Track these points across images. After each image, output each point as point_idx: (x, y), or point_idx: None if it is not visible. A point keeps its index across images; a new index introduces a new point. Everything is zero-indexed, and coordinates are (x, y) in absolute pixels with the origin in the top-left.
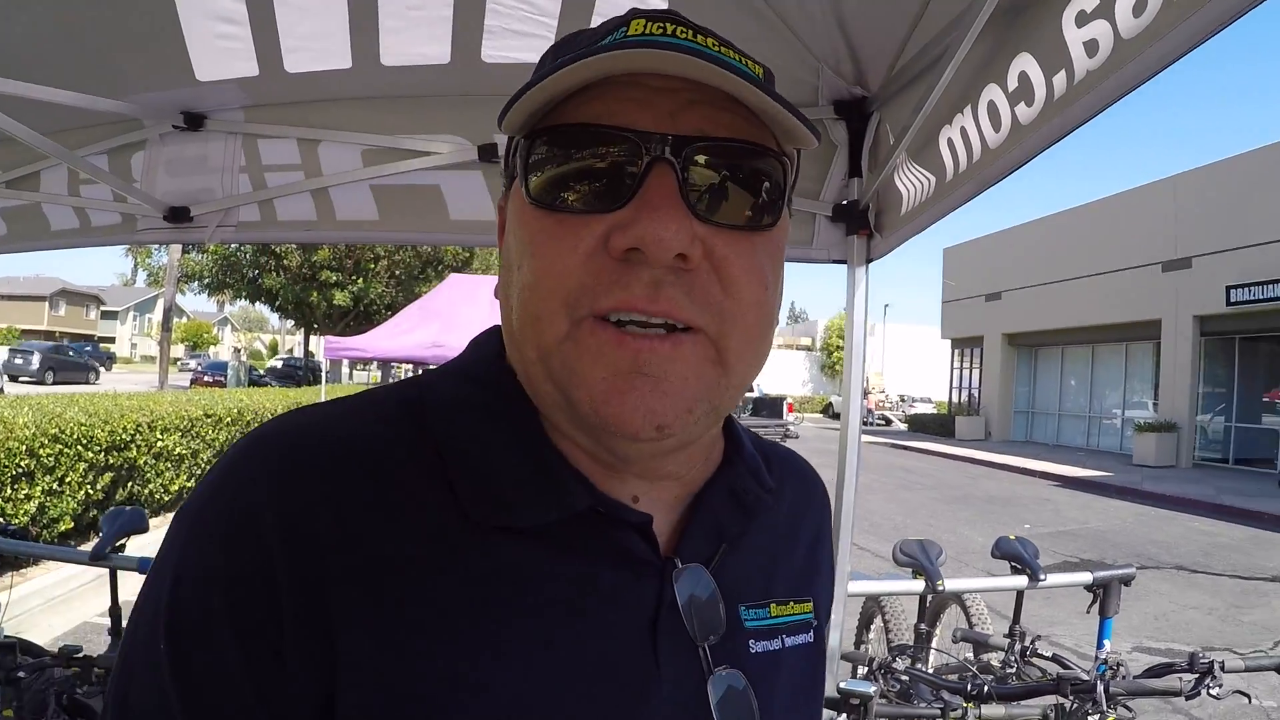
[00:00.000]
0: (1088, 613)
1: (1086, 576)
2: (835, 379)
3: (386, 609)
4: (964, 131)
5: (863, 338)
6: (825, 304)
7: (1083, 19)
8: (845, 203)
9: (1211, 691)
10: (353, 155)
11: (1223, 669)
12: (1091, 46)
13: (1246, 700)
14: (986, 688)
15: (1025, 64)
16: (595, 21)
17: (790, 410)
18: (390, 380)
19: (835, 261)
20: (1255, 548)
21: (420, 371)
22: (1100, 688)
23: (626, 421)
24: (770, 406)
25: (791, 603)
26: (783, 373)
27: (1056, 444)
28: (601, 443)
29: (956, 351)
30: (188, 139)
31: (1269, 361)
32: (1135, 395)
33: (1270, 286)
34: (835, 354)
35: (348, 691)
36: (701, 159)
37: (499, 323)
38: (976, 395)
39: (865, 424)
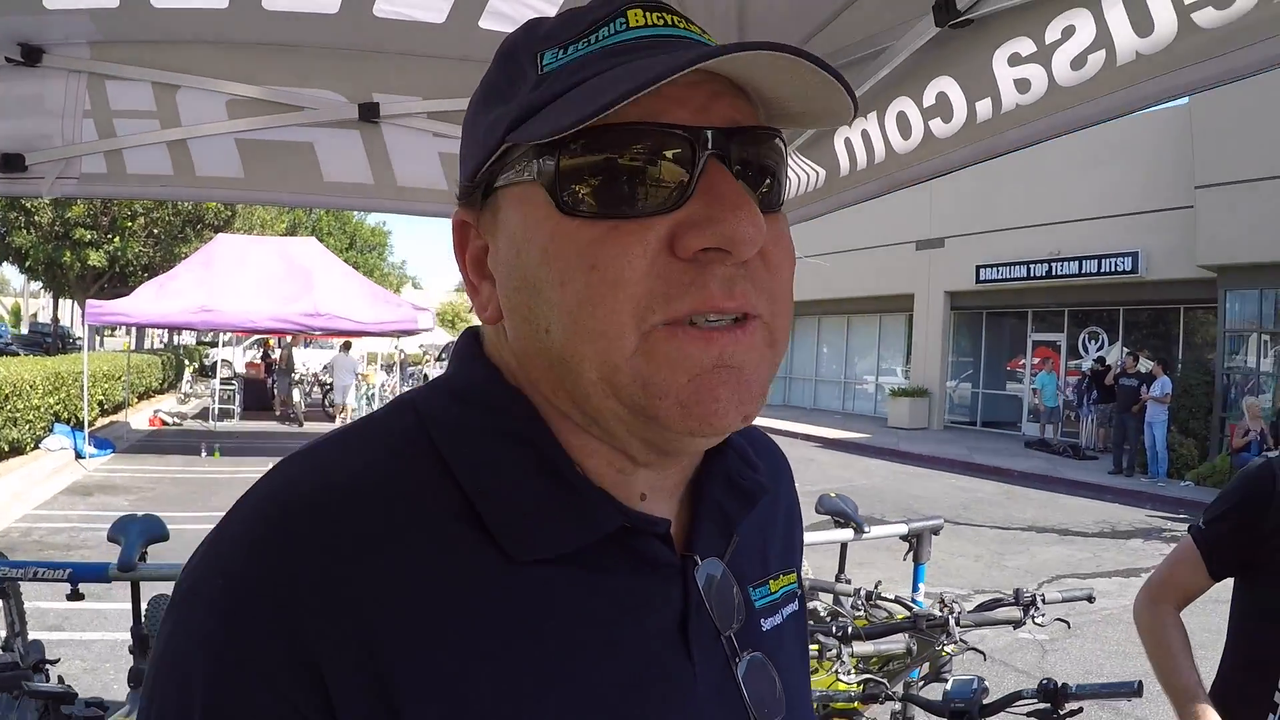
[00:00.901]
0: (904, 560)
1: (902, 528)
2: None
3: (448, 666)
4: (865, 135)
5: None
6: (440, 279)
7: (1015, 60)
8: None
9: (1037, 620)
10: (216, 105)
11: (1044, 600)
12: (1023, 85)
13: (1066, 626)
14: (850, 628)
15: (946, 85)
16: None
17: None
18: (157, 347)
19: None
20: (1009, 501)
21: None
22: (951, 621)
23: (721, 418)
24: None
25: (781, 575)
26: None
27: (814, 408)
28: (656, 444)
29: None
30: (22, 75)
31: (1011, 334)
32: (887, 363)
33: (1014, 268)
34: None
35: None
36: (739, 150)
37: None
38: None
39: None
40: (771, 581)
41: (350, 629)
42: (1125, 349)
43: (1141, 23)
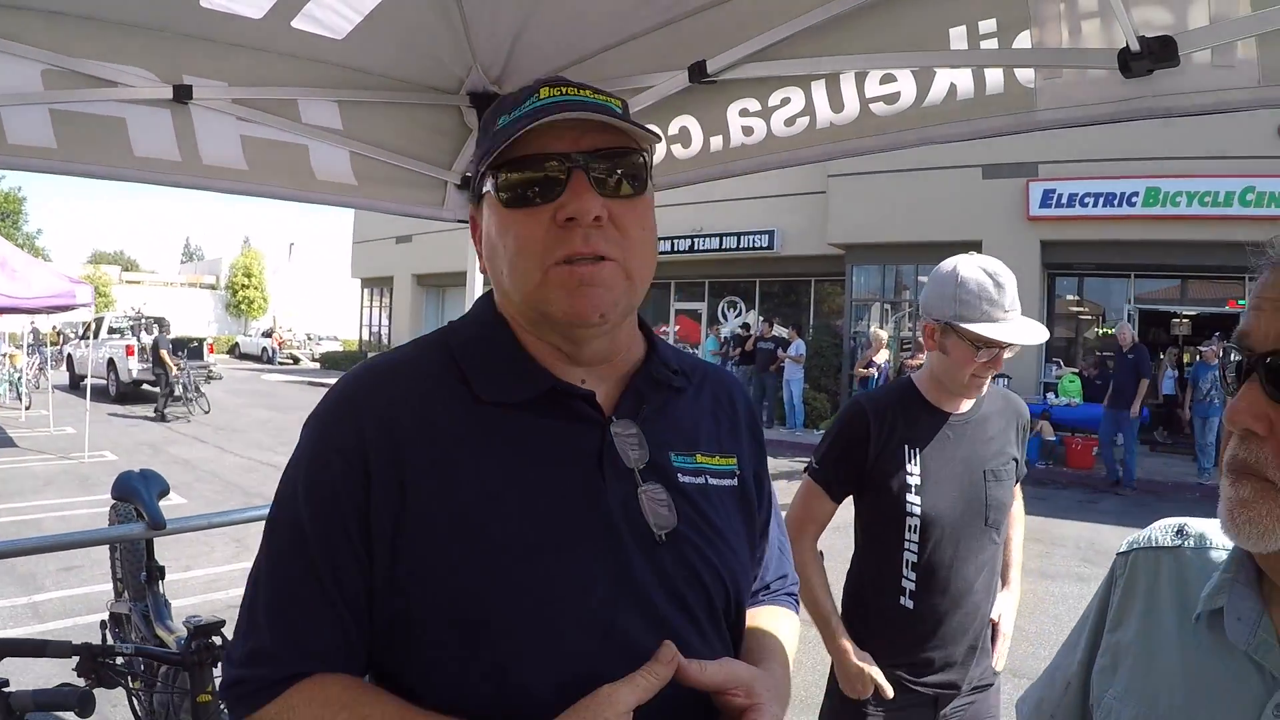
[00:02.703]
0: None
1: None
2: (241, 318)
3: (435, 455)
4: None
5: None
6: (226, 242)
7: (745, 113)
8: (470, 175)
9: None
10: (32, 73)
11: None
12: (748, 131)
13: None
14: None
15: (688, 122)
16: None
17: (211, 351)
18: None
19: (460, 222)
20: None
21: None
22: None
23: (584, 316)
24: (190, 349)
25: (717, 456)
26: (188, 313)
27: None
28: (566, 336)
29: (366, 291)
30: None
31: (655, 304)
32: None
33: (660, 242)
34: (240, 293)
35: (413, 504)
36: (598, 163)
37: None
38: (386, 332)
39: (270, 362)
40: (699, 455)
41: (382, 431)
42: (761, 317)
43: (836, 104)
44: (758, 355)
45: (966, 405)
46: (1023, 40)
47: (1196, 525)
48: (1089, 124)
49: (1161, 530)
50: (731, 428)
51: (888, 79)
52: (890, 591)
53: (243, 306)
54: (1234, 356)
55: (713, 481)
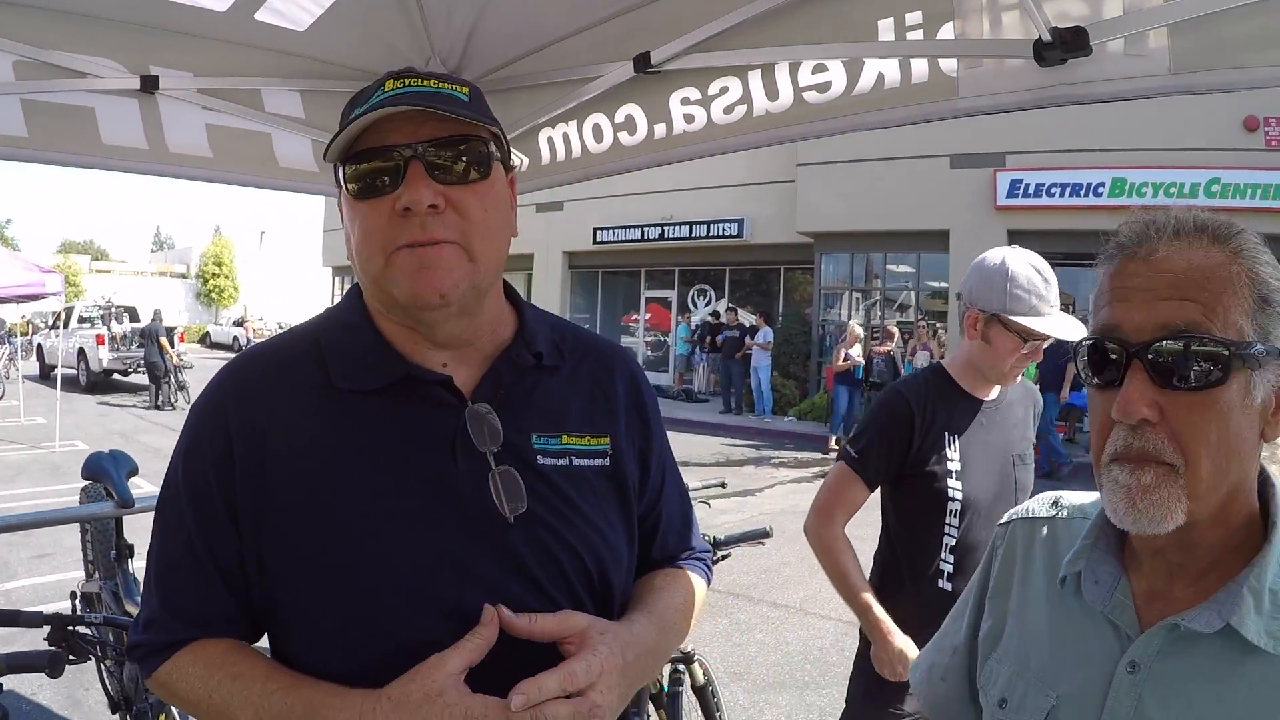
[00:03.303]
0: None
1: None
2: (212, 307)
3: (292, 442)
4: (565, 136)
5: None
6: (197, 230)
7: (686, 102)
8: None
9: None
10: (4, 65)
11: (689, 489)
12: (689, 119)
13: (707, 506)
14: None
15: (633, 110)
16: None
17: (181, 340)
18: None
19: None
20: None
21: None
22: None
23: (424, 298)
24: (146, 340)
25: (587, 436)
26: (159, 302)
27: None
28: (415, 318)
29: (337, 279)
30: None
31: (626, 291)
32: None
33: (630, 230)
34: (210, 282)
35: (272, 488)
36: (433, 151)
37: None
38: None
39: (242, 351)
40: (565, 436)
41: (245, 421)
42: (727, 305)
43: (772, 93)
44: (724, 343)
45: (995, 392)
46: (946, 31)
47: (1070, 498)
48: (1007, 111)
49: (1038, 502)
50: (608, 407)
51: (819, 69)
52: (930, 574)
53: (213, 295)
54: (1109, 348)
55: (579, 462)
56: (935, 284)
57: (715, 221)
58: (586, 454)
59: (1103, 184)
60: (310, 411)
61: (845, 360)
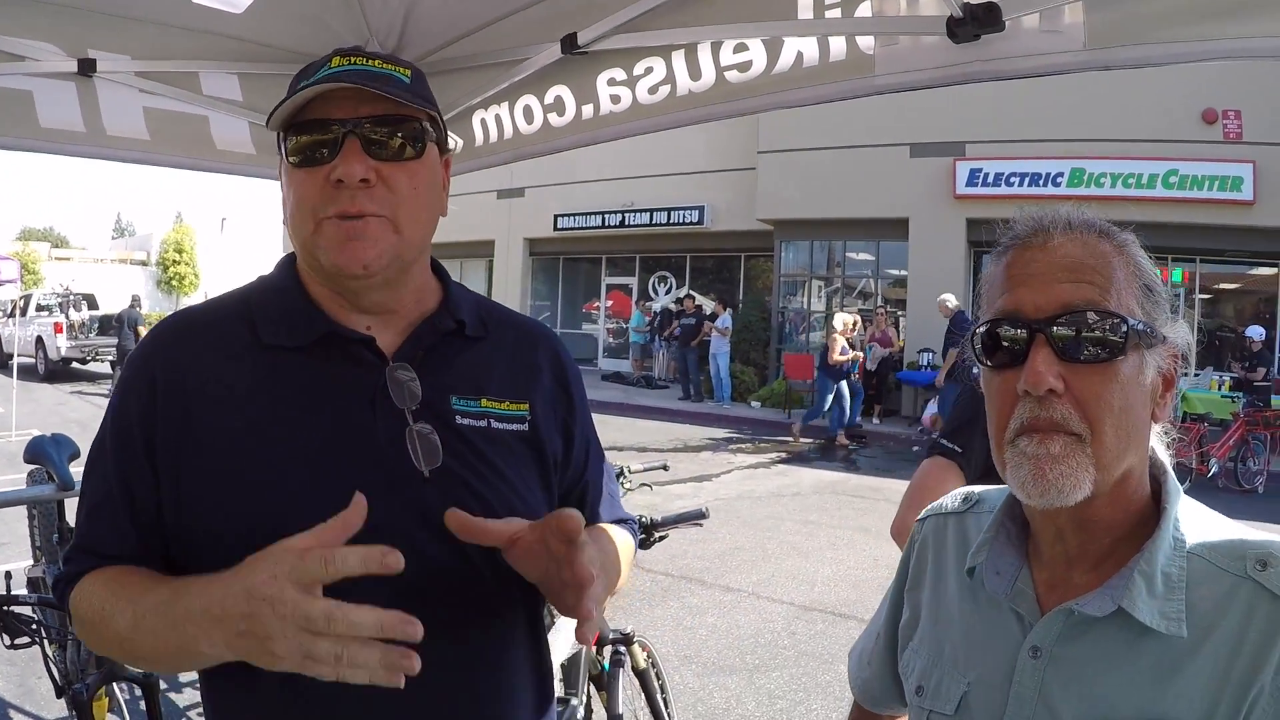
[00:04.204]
0: None
1: None
2: (172, 295)
3: (215, 395)
4: (498, 118)
5: None
6: (158, 217)
7: (612, 83)
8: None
9: (627, 487)
10: None
11: (630, 470)
12: (615, 99)
13: (650, 489)
14: None
15: (562, 91)
16: None
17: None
18: None
19: None
20: (603, 430)
21: None
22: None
23: (350, 266)
24: (120, 326)
25: (507, 401)
26: (119, 289)
27: None
28: (340, 285)
29: None
30: None
31: (586, 278)
32: None
33: (591, 217)
34: (171, 269)
35: (194, 438)
36: (370, 128)
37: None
38: None
39: None
40: (484, 400)
41: (171, 373)
42: (686, 291)
43: (694, 73)
44: (681, 331)
45: None
46: (864, 10)
47: (983, 492)
48: (923, 88)
49: (952, 498)
50: (530, 378)
51: (740, 48)
52: None
53: (174, 283)
54: (1009, 329)
55: (497, 425)
56: (895, 272)
57: (676, 209)
58: (506, 418)
59: (1061, 174)
60: (234, 364)
61: (844, 354)
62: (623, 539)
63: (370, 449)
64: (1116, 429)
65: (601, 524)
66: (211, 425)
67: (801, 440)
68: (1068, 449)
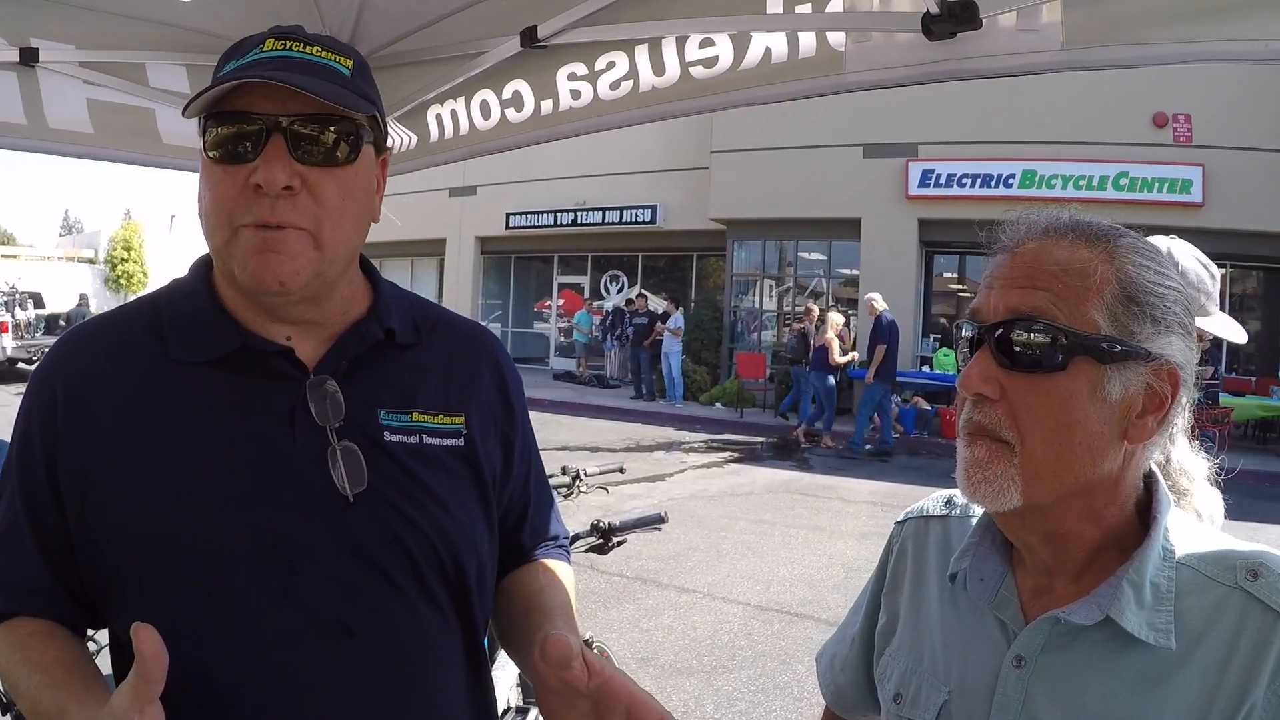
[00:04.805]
0: None
1: None
2: (120, 293)
3: (121, 415)
4: (454, 113)
5: None
6: (107, 214)
7: (573, 78)
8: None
9: (583, 490)
10: None
11: (586, 473)
12: (575, 95)
13: (605, 492)
14: None
15: (520, 86)
16: None
17: None
18: None
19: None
20: (543, 427)
21: None
22: None
23: (264, 281)
24: (68, 326)
25: (440, 415)
26: (66, 287)
27: None
28: (255, 299)
29: None
30: None
31: (538, 277)
32: None
33: (543, 215)
34: (119, 267)
35: (100, 462)
36: (299, 126)
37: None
38: None
39: None
40: (415, 413)
41: (73, 392)
42: (640, 291)
43: (658, 68)
44: (633, 330)
45: None
46: (835, 5)
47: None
48: (895, 86)
49: (933, 501)
50: (466, 387)
51: (706, 43)
52: None
53: (122, 281)
54: (965, 330)
55: (430, 441)
56: (847, 271)
57: (628, 208)
58: (439, 433)
59: (1013, 175)
60: (142, 383)
61: (844, 356)
62: (567, 576)
63: (288, 471)
64: (1050, 443)
65: (546, 564)
66: (117, 446)
67: (832, 445)
68: (993, 455)
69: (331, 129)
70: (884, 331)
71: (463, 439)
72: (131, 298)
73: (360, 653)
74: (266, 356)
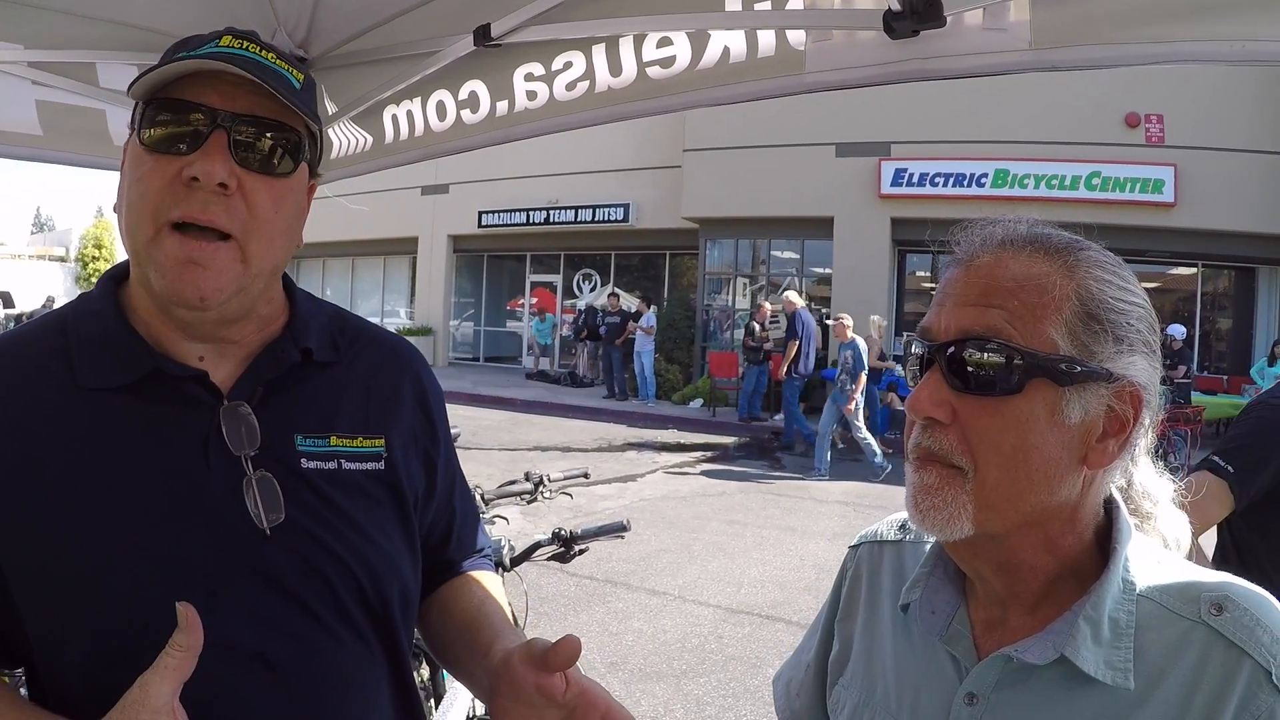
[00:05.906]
0: None
1: None
2: None
3: (26, 450)
4: (410, 114)
5: None
6: (79, 212)
7: (529, 78)
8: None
9: (546, 496)
10: None
11: (550, 479)
12: (532, 95)
13: (569, 498)
14: None
15: (477, 86)
16: None
17: None
18: None
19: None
20: (515, 427)
21: None
22: (479, 497)
23: (181, 293)
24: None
25: (359, 438)
26: (38, 286)
27: None
28: (169, 312)
29: None
30: None
31: (511, 275)
32: (392, 304)
33: (515, 214)
34: (90, 265)
35: (8, 498)
36: (243, 127)
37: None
38: None
39: None
40: (334, 437)
41: None
42: (613, 290)
43: (615, 69)
44: (605, 329)
45: None
46: (795, 2)
47: None
48: (857, 86)
49: (887, 525)
50: (387, 407)
51: (664, 42)
52: None
53: (93, 279)
54: (915, 349)
55: (349, 466)
56: (820, 270)
57: (601, 206)
58: (358, 457)
59: (986, 175)
60: (48, 413)
61: (882, 360)
62: (497, 588)
63: (202, 503)
64: (1006, 469)
65: (475, 576)
66: (25, 488)
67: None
68: (944, 481)
69: (271, 136)
70: (794, 329)
71: (383, 462)
72: None
73: (283, 686)
74: (179, 381)
